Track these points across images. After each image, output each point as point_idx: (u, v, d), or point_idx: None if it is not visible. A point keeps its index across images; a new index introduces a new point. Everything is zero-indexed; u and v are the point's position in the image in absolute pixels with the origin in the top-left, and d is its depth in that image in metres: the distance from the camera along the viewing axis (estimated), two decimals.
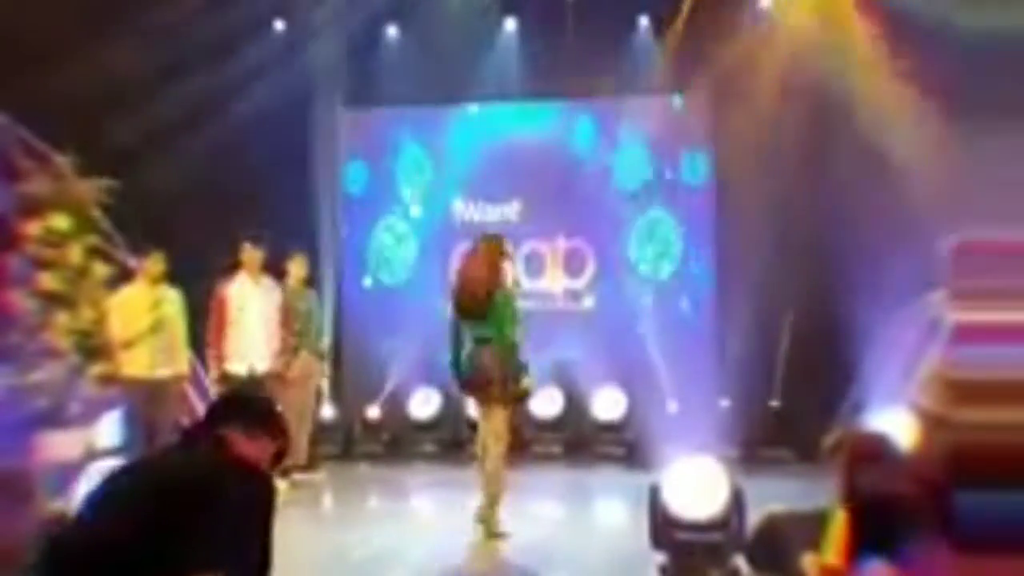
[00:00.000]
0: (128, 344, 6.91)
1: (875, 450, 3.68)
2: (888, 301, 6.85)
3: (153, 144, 8.55)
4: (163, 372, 7.08)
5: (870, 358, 7.03)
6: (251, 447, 2.64)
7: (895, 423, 5.50)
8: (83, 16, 7.37)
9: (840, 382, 7.57)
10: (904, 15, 7.31)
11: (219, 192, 9.21)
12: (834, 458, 3.90)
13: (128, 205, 6.60)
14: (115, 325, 6.90)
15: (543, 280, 10.40)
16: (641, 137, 10.12)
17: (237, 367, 7.46)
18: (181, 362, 7.23)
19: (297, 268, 7.99)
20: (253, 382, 7.41)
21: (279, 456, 2.72)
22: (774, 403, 9.16)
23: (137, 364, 6.94)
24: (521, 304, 10.03)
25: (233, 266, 7.66)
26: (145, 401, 6.93)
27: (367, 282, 10.54)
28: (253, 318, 7.49)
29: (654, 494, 5.58)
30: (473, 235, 10.13)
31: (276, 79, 9.97)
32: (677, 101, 10.03)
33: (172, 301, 7.22)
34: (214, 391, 7.40)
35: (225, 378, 7.45)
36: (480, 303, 6.28)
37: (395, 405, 9.92)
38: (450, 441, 9.76)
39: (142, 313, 6.99)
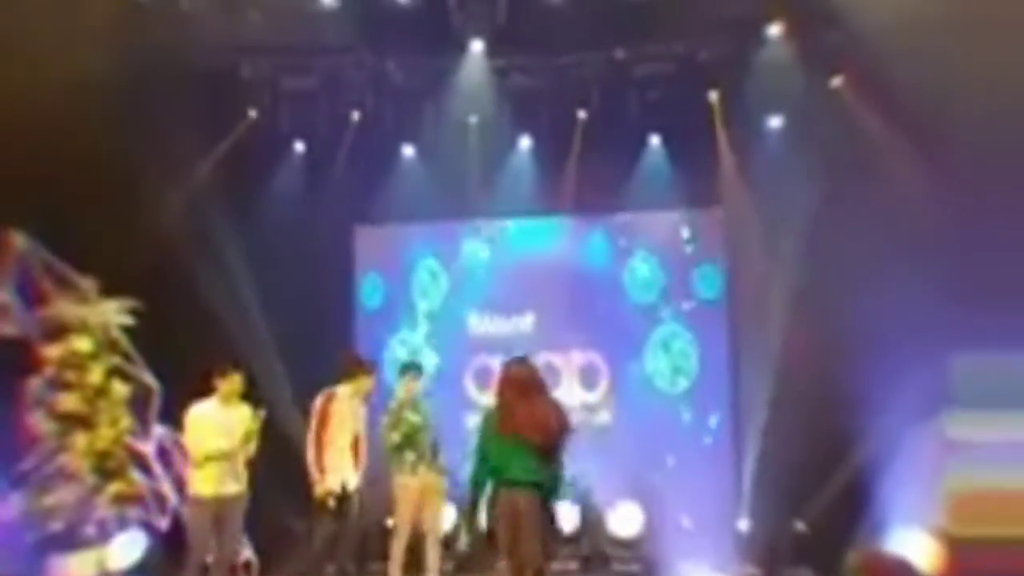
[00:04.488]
0: (199, 463, 6.85)
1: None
2: (907, 419, 6.84)
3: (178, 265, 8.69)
4: (230, 489, 6.93)
5: (889, 477, 6.97)
6: None
7: (914, 545, 5.45)
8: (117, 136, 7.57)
9: (860, 500, 7.47)
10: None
11: (242, 309, 9.35)
12: None
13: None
14: (188, 442, 6.93)
15: (558, 393, 10.31)
16: (654, 252, 10.24)
17: (332, 482, 7.23)
18: (244, 478, 7.07)
19: (412, 383, 7.90)
20: (347, 498, 7.19)
21: None
22: (799, 525, 8.97)
23: (206, 482, 6.87)
24: None
25: (334, 382, 7.45)
26: (210, 519, 6.85)
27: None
28: (346, 435, 7.34)
29: None
30: (488, 348, 10.37)
31: (296, 196, 10.26)
32: (690, 216, 10.15)
33: (246, 419, 7.04)
34: (331, 505, 7.18)
35: (323, 496, 7.21)
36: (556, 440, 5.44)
37: None
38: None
39: (214, 432, 6.88)
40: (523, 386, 5.47)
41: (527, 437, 5.30)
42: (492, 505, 5.40)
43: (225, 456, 6.86)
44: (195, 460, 6.86)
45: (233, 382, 6.98)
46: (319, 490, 7.20)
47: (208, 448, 6.81)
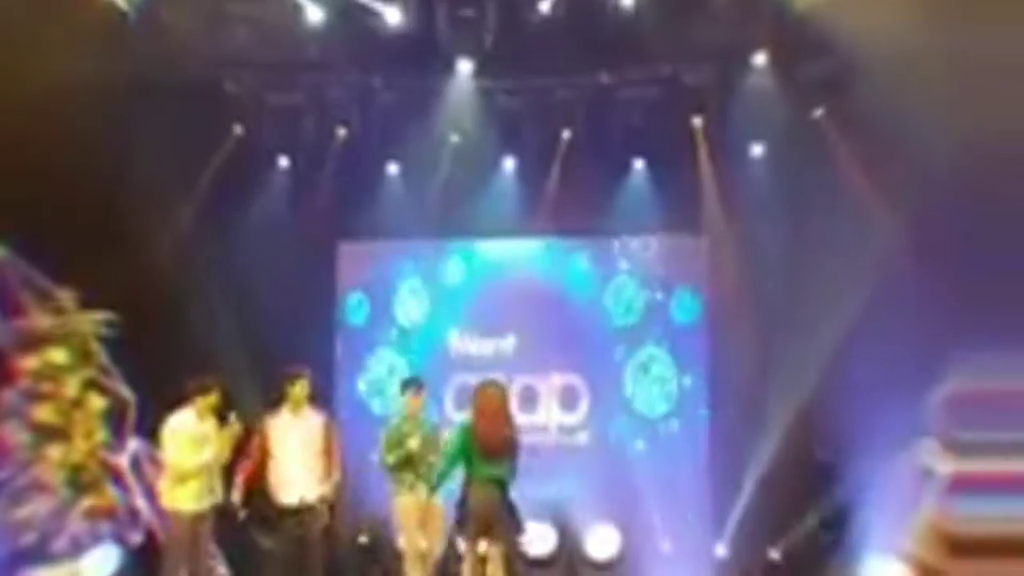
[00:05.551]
0: (180, 478, 6.87)
1: None
2: (882, 446, 6.87)
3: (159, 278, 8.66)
4: (206, 504, 7.03)
5: (864, 504, 7.00)
6: None
7: (889, 574, 5.46)
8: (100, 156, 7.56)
9: (838, 527, 7.50)
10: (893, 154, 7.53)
11: (224, 323, 9.31)
12: None
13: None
14: (167, 456, 6.90)
15: (537, 415, 10.37)
16: (635, 275, 10.27)
17: (287, 499, 7.38)
18: (219, 491, 7.17)
19: (415, 397, 7.92)
20: (305, 511, 7.35)
21: None
22: (774, 554, 9.00)
23: (186, 498, 6.92)
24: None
25: (277, 400, 7.64)
26: (187, 532, 6.93)
27: (362, 410, 10.48)
28: (294, 450, 7.45)
29: None
30: (469, 368, 10.35)
31: (279, 212, 10.25)
32: (670, 241, 10.20)
33: (218, 431, 7.13)
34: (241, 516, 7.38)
35: (280, 512, 7.40)
36: (507, 445, 6.79)
37: None
38: None
39: (194, 446, 6.93)
40: (498, 406, 6.86)
41: (498, 447, 6.71)
42: (466, 498, 6.74)
43: (205, 470, 6.87)
44: (176, 475, 6.85)
45: (214, 398, 7.00)
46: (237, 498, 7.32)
47: (190, 464, 6.81)
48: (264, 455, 7.39)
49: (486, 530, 6.74)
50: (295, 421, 7.53)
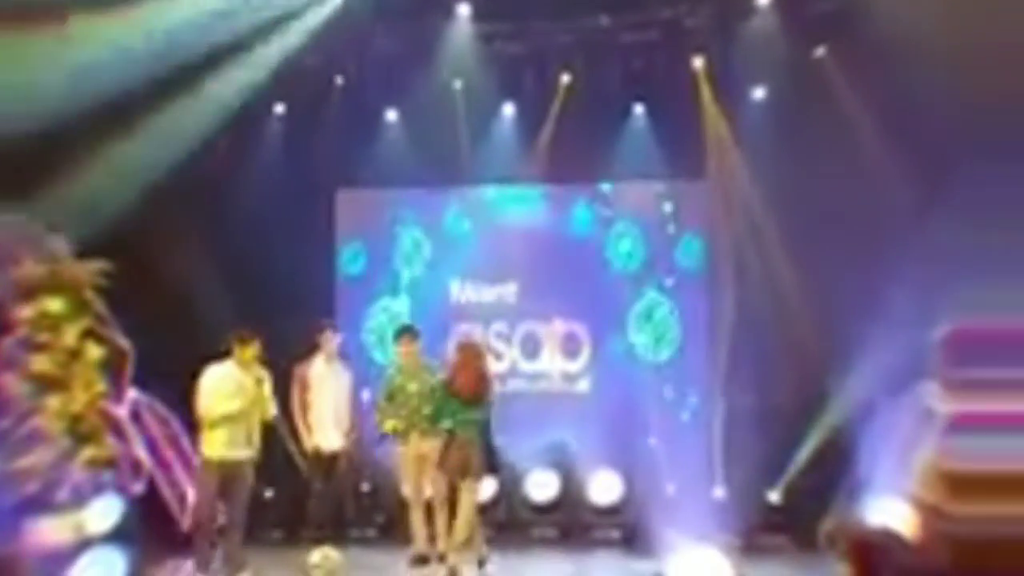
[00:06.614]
0: (209, 424, 6.99)
1: (879, 544, 3.65)
2: (884, 387, 6.88)
3: (157, 225, 8.63)
4: (240, 453, 7.10)
5: (866, 445, 7.01)
6: None
7: (892, 513, 5.49)
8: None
9: (837, 468, 7.53)
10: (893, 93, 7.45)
11: (221, 272, 9.28)
12: (832, 547, 3.88)
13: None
14: (199, 405, 7.01)
15: (539, 361, 10.38)
16: (637, 221, 10.19)
17: (320, 442, 7.92)
18: (256, 443, 7.24)
19: (408, 346, 8.06)
20: (329, 459, 7.93)
21: None
22: (773, 496, 9.06)
23: (213, 445, 7.02)
24: (517, 385, 10.23)
25: (310, 350, 8.09)
26: (220, 481, 7.05)
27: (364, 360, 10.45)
28: (327, 399, 7.95)
29: None
30: (471, 316, 10.35)
31: (277, 160, 10.16)
32: (672, 185, 10.11)
33: (261, 384, 7.19)
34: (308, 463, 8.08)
35: (308, 457, 8.02)
36: (481, 394, 7.43)
37: None
38: None
39: (227, 396, 7.02)
40: (473, 354, 7.57)
41: (469, 394, 7.35)
42: (449, 442, 7.35)
43: (239, 419, 6.90)
44: (206, 422, 6.93)
45: (252, 348, 7.11)
46: (308, 447, 7.93)
47: (217, 411, 6.92)
48: (307, 403, 7.90)
49: (463, 471, 7.26)
50: (329, 371, 8.00)
